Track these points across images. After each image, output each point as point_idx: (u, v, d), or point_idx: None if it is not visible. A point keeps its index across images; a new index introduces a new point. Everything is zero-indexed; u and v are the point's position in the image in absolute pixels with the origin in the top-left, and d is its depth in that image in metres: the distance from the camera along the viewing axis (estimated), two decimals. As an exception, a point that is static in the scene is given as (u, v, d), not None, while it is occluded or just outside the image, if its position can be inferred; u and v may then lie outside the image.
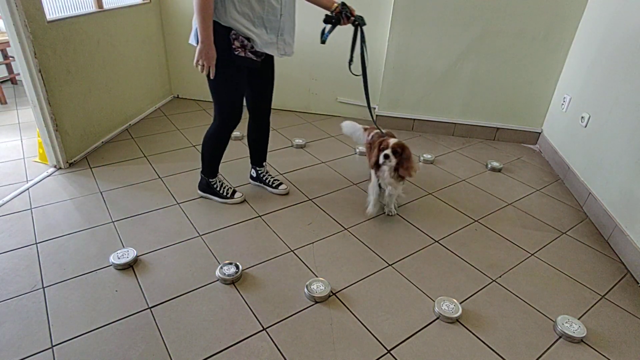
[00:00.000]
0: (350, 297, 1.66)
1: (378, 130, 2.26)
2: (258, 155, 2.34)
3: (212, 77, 1.79)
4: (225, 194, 2.21)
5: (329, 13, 1.91)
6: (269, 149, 2.37)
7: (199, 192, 2.26)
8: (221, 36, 1.73)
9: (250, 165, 2.40)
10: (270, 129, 2.26)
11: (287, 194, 2.34)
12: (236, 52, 1.77)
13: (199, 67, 1.75)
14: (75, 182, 2.37)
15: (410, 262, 1.87)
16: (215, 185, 2.21)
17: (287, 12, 1.84)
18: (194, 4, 1.63)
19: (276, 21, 1.80)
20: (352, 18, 1.95)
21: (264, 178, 2.36)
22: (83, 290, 1.62)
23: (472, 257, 1.93)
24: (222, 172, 2.53)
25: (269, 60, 1.99)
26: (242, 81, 1.90)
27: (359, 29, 2.00)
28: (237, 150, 2.83)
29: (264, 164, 2.37)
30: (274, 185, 2.33)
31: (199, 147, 2.84)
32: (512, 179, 2.69)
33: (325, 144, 3.03)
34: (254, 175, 2.40)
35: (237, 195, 2.23)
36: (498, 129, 3.24)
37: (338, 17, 1.90)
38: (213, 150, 2.11)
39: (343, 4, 1.91)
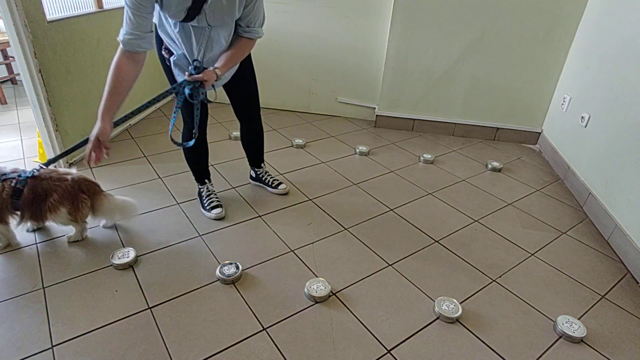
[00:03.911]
0: (350, 297, 1.66)
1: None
2: (254, 157, 2.33)
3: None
4: (206, 205, 2.12)
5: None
6: (269, 149, 2.38)
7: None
8: (158, 43, 1.73)
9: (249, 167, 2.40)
10: (270, 128, 2.24)
11: (286, 193, 2.33)
12: (163, 52, 1.77)
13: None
14: (75, 182, 2.37)
15: (410, 262, 1.87)
16: (202, 193, 2.17)
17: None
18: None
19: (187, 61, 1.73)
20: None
21: (263, 178, 2.35)
22: (83, 290, 1.62)
23: (472, 257, 1.93)
24: (222, 171, 2.55)
25: (241, 66, 1.88)
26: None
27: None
28: (237, 151, 2.83)
29: (262, 164, 2.37)
30: (273, 185, 2.32)
31: (199, 147, 2.84)
32: (512, 179, 2.69)
33: (325, 144, 3.03)
34: (253, 175, 2.39)
35: (215, 211, 2.07)
36: (498, 129, 3.24)
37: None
38: (189, 155, 2.10)
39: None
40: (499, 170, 2.78)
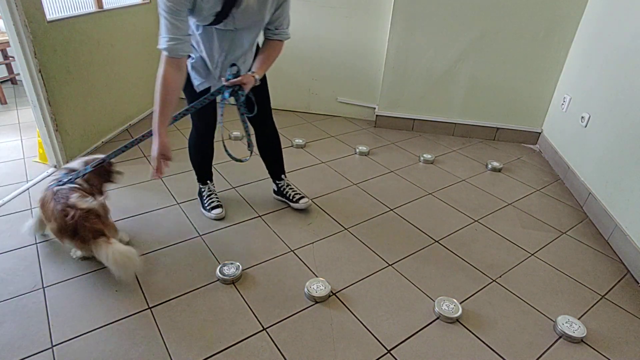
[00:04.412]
0: (350, 297, 1.66)
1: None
2: (273, 167, 2.21)
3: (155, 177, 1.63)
4: (206, 205, 2.11)
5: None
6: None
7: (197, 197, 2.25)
8: None
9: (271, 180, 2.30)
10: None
11: (308, 208, 2.20)
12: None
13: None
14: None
15: (410, 262, 1.87)
16: (203, 193, 2.16)
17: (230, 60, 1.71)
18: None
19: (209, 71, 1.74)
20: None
21: (285, 191, 2.21)
22: (83, 290, 1.62)
23: (472, 257, 1.93)
24: (222, 171, 2.54)
25: None
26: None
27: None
28: (237, 151, 2.83)
29: (282, 176, 2.23)
30: (294, 199, 2.17)
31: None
32: (512, 179, 2.69)
33: (325, 144, 3.03)
34: (275, 189, 2.26)
35: (215, 211, 2.07)
36: (498, 129, 3.24)
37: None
38: (195, 157, 2.08)
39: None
40: (499, 170, 2.78)
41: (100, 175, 1.81)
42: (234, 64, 1.67)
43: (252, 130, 2.02)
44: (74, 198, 1.59)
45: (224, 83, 1.66)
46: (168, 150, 1.56)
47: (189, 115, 1.79)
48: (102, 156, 1.78)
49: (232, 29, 1.61)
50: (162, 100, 1.51)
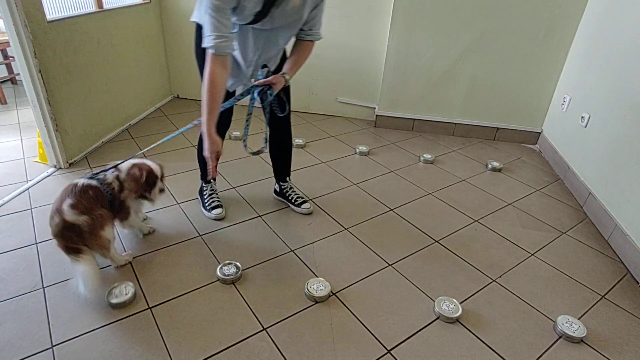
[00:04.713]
0: (350, 297, 1.66)
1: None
2: (280, 169, 2.20)
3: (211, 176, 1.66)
4: (207, 204, 2.11)
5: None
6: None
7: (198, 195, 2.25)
8: (201, 34, 1.68)
9: (274, 180, 2.29)
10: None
11: (310, 213, 2.18)
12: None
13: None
14: (75, 182, 2.37)
15: (410, 262, 1.87)
16: (204, 192, 2.16)
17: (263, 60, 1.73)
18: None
19: (243, 73, 1.76)
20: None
21: (287, 194, 2.21)
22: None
23: (472, 257, 1.93)
24: (222, 171, 2.54)
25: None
26: None
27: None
28: (237, 151, 2.83)
29: (287, 179, 2.23)
30: (296, 203, 2.17)
31: (199, 147, 2.84)
32: (512, 179, 2.69)
33: (325, 144, 3.03)
34: (277, 190, 2.27)
35: (215, 211, 2.07)
36: (498, 129, 3.24)
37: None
38: (201, 151, 2.06)
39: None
40: (499, 170, 2.78)
41: (136, 182, 1.68)
42: (265, 65, 1.70)
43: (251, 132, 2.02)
44: (66, 204, 1.51)
45: (254, 83, 1.69)
46: (220, 147, 1.61)
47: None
48: (154, 165, 1.76)
49: (268, 28, 1.61)
50: (210, 99, 1.52)
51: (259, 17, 1.52)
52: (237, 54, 1.70)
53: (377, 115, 3.37)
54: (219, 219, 2.09)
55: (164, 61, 3.62)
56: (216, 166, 1.64)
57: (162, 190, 1.79)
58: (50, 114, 2.36)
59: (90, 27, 2.62)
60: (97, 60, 2.72)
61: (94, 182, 1.61)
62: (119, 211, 1.70)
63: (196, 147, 2.85)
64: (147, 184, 1.72)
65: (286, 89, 1.90)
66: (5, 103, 3.65)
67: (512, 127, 3.21)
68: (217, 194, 2.17)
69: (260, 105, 1.80)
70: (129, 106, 3.16)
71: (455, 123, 3.28)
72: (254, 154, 1.86)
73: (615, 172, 2.13)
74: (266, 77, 1.69)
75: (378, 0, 3.05)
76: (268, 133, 1.96)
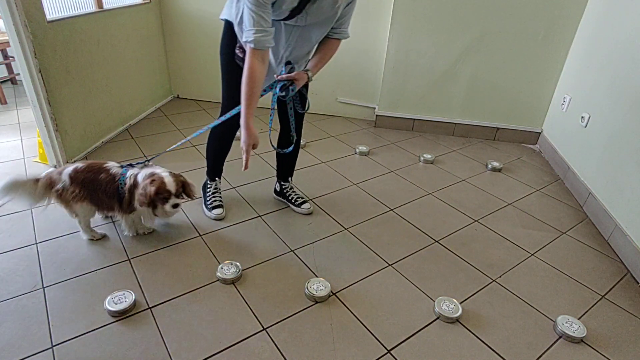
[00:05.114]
0: (350, 297, 1.66)
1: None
2: (284, 169, 2.21)
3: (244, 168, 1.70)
4: (208, 202, 2.11)
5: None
6: (268, 149, 2.36)
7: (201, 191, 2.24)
8: (230, 32, 1.71)
9: (275, 179, 2.30)
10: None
11: (310, 213, 2.18)
12: (237, 52, 1.76)
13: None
14: (75, 182, 2.36)
15: (410, 262, 1.87)
16: (207, 189, 2.16)
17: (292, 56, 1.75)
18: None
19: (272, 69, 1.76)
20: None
21: (288, 194, 2.22)
22: (83, 290, 1.62)
23: (472, 257, 1.93)
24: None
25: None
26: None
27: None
28: (237, 151, 2.82)
29: (289, 179, 2.24)
30: (297, 203, 2.18)
31: (200, 147, 2.84)
32: (512, 179, 2.69)
33: (325, 144, 3.03)
34: (278, 189, 2.26)
35: (216, 211, 2.08)
36: (498, 129, 3.24)
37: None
38: (214, 146, 2.07)
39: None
40: (499, 170, 2.78)
41: (144, 194, 1.67)
42: (289, 62, 1.72)
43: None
44: (71, 167, 1.74)
45: (277, 78, 1.71)
46: (257, 139, 1.65)
47: (222, 103, 1.88)
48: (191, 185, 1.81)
49: (302, 24, 1.61)
50: (249, 93, 1.55)
51: (294, 13, 1.52)
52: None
53: (377, 115, 3.37)
54: (219, 219, 2.09)
55: (164, 61, 3.62)
56: (248, 159, 1.67)
57: (175, 206, 1.73)
58: (50, 114, 2.36)
59: (90, 27, 2.62)
60: (97, 60, 2.72)
61: (115, 170, 1.72)
62: (124, 205, 1.75)
63: (205, 144, 2.85)
64: (158, 197, 1.69)
65: (306, 86, 1.92)
66: (5, 103, 3.65)
67: (512, 127, 3.21)
68: (220, 193, 2.17)
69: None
70: (129, 106, 3.16)
71: (455, 123, 3.28)
72: (281, 151, 1.90)
73: (615, 172, 2.13)
74: (289, 73, 1.72)
75: (378, 0, 3.05)
76: (293, 130, 1.95)
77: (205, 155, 2.12)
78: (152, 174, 1.71)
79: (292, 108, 1.88)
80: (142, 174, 1.72)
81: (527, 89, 3.05)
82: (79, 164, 1.76)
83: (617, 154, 2.14)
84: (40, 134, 2.41)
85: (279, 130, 2.09)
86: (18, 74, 4.06)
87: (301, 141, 2.93)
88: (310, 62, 1.78)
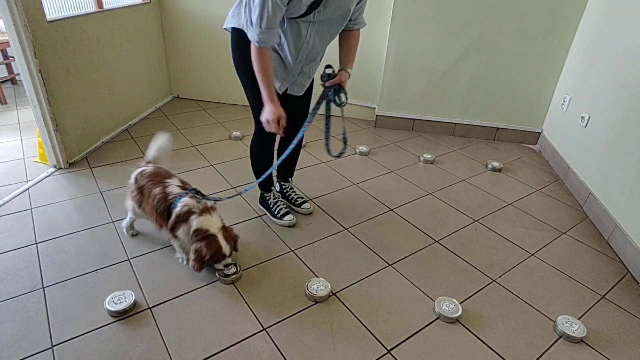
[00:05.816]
0: (350, 297, 1.66)
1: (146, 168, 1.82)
2: (286, 169, 2.18)
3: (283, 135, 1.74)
4: (276, 212, 2.08)
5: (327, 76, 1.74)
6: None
7: (259, 205, 2.20)
8: (241, 40, 1.64)
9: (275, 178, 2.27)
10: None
11: (310, 213, 2.17)
12: None
13: (273, 127, 1.66)
14: (75, 182, 2.37)
15: (410, 262, 1.87)
16: (269, 202, 2.12)
17: (308, 60, 1.76)
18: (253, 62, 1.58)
19: (288, 72, 1.77)
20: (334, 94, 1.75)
21: (288, 194, 2.20)
22: (83, 290, 1.62)
23: (472, 257, 1.93)
24: (222, 171, 2.55)
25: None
26: None
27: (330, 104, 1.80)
28: (237, 151, 2.83)
29: (289, 179, 2.22)
30: (297, 203, 2.17)
31: (199, 147, 2.84)
32: (512, 179, 2.69)
33: (325, 144, 3.03)
34: (278, 190, 2.24)
35: (287, 217, 2.06)
36: (498, 129, 3.24)
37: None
38: (257, 159, 2.02)
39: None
40: (499, 170, 2.78)
41: (199, 256, 1.61)
42: (329, 65, 1.73)
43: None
44: (142, 167, 1.83)
45: (325, 84, 1.74)
46: (282, 112, 1.66)
47: (252, 113, 1.85)
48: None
49: (319, 20, 1.60)
50: (264, 72, 1.58)
51: (312, 7, 1.52)
52: (285, 51, 1.68)
53: (377, 115, 3.37)
54: (292, 225, 2.06)
55: (164, 61, 3.62)
56: (281, 125, 1.67)
57: (227, 266, 1.70)
58: (50, 114, 2.36)
59: (90, 27, 2.62)
60: (97, 60, 2.72)
61: (172, 189, 1.69)
62: (169, 226, 1.68)
63: (196, 147, 2.85)
64: (212, 259, 1.63)
65: (310, 89, 1.95)
66: (5, 103, 3.65)
67: (512, 127, 3.21)
68: (281, 200, 2.14)
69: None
70: (129, 106, 3.16)
71: (455, 123, 3.28)
72: (338, 156, 1.90)
73: (616, 172, 2.13)
74: (330, 76, 1.73)
75: (378, 0, 3.05)
76: (345, 134, 1.96)
77: (253, 171, 2.07)
78: (206, 232, 1.61)
79: (330, 115, 1.86)
80: (195, 222, 1.62)
81: (527, 89, 3.05)
82: (147, 169, 1.79)
83: (617, 153, 2.14)
84: (40, 134, 2.41)
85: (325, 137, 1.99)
86: (18, 74, 4.06)
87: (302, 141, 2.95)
88: (341, 59, 1.79)
